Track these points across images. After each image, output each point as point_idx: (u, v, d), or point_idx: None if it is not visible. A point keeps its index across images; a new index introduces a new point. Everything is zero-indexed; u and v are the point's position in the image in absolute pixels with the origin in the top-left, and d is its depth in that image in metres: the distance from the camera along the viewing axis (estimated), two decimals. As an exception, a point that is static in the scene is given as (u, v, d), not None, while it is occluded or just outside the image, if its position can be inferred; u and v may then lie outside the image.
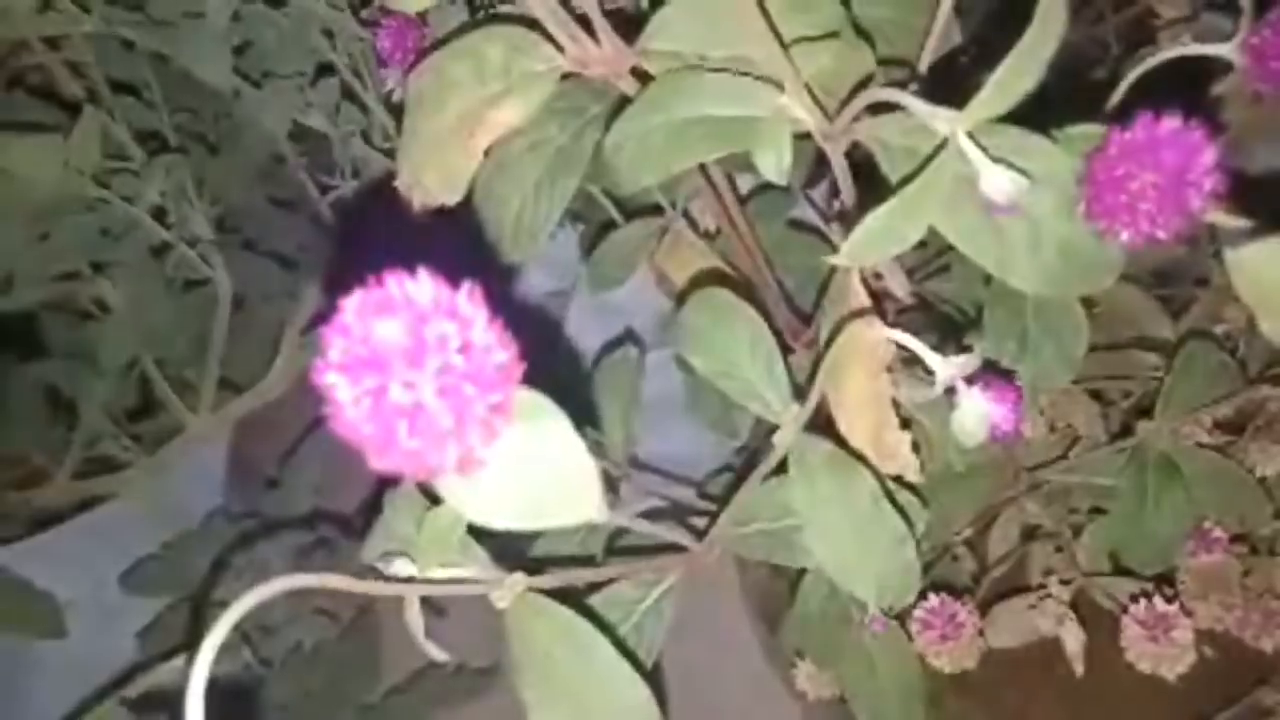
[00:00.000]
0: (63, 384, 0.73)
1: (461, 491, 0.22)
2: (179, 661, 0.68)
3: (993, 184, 0.31)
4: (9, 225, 0.58)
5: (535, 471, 0.23)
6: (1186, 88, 0.37)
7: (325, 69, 0.67)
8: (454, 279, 0.21)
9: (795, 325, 0.53)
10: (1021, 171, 0.31)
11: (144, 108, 0.68)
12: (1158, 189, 0.30)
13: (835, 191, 0.56)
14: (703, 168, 0.48)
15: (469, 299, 0.20)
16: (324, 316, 0.72)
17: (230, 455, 0.84)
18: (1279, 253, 0.23)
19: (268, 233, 0.78)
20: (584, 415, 0.54)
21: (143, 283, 0.69)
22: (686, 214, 0.57)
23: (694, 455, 0.65)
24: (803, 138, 0.37)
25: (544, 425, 0.23)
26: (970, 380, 0.34)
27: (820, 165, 0.45)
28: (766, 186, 0.58)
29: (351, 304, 0.20)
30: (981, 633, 0.48)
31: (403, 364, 0.19)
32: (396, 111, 0.69)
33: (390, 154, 0.69)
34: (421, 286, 0.20)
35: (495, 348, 0.20)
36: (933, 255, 0.53)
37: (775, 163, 0.34)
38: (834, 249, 0.56)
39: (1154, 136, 0.31)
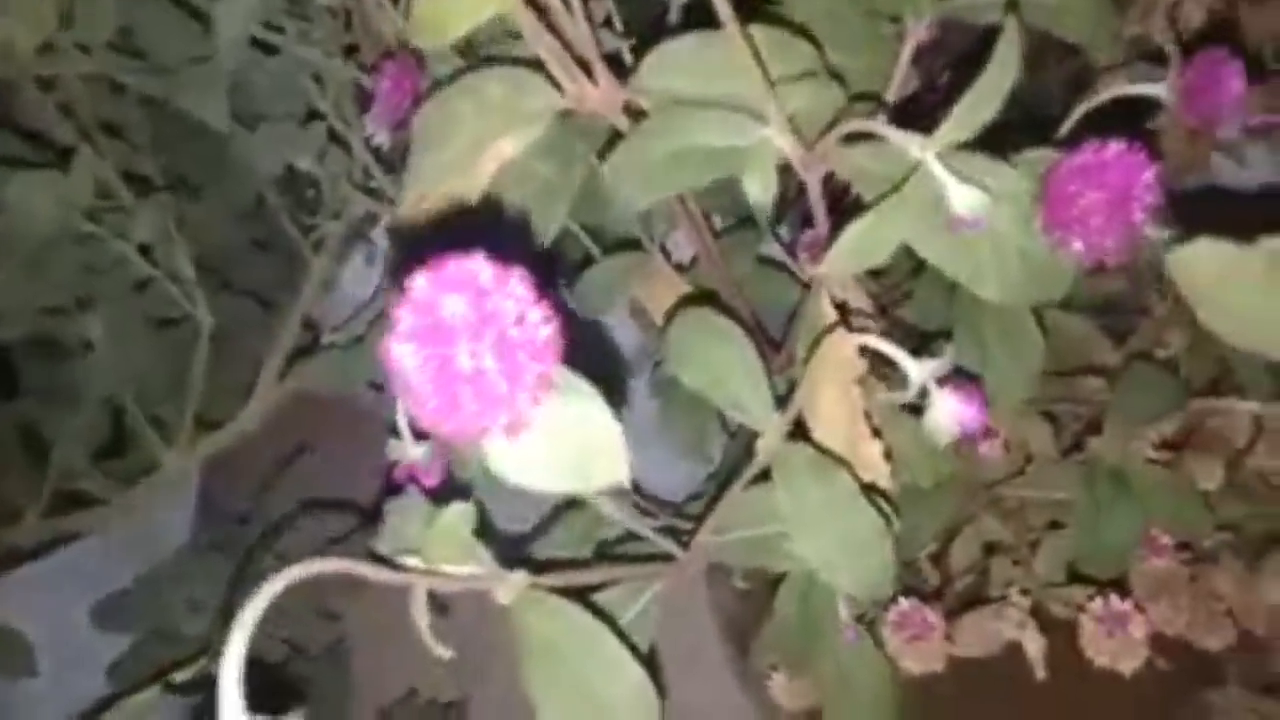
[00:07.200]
0: (39, 422, 0.74)
1: (506, 454, 0.25)
2: (149, 694, 0.68)
3: (960, 200, 0.34)
4: (5, 259, 0.60)
5: (572, 437, 0.25)
6: (1124, 125, 0.41)
7: (312, 114, 0.69)
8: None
9: (766, 350, 0.56)
10: (984, 190, 0.35)
11: (130, 149, 0.70)
12: (1105, 204, 0.34)
13: (802, 226, 0.59)
14: (682, 201, 0.51)
15: (520, 280, 0.23)
16: (306, 350, 0.73)
17: (201, 491, 0.84)
18: (1212, 251, 0.26)
19: (246, 272, 0.80)
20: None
21: (124, 318, 0.70)
22: (662, 248, 0.60)
23: (664, 486, 0.67)
24: (782, 170, 0.41)
25: (578, 396, 0.25)
26: (941, 383, 0.38)
27: (782, 204, 0.49)
28: (737, 225, 0.61)
29: (419, 282, 0.22)
30: (949, 637, 0.51)
31: (467, 334, 0.22)
32: (378, 154, 0.72)
33: (371, 194, 0.72)
34: (481, 267, 0.22)
35: (543, 323, 0.23)
36: (890, 286, 0.57)
37: (761, 186, 0.38)
38: (800, 281, 0.60)
39: (1101, 159, 0.34)
